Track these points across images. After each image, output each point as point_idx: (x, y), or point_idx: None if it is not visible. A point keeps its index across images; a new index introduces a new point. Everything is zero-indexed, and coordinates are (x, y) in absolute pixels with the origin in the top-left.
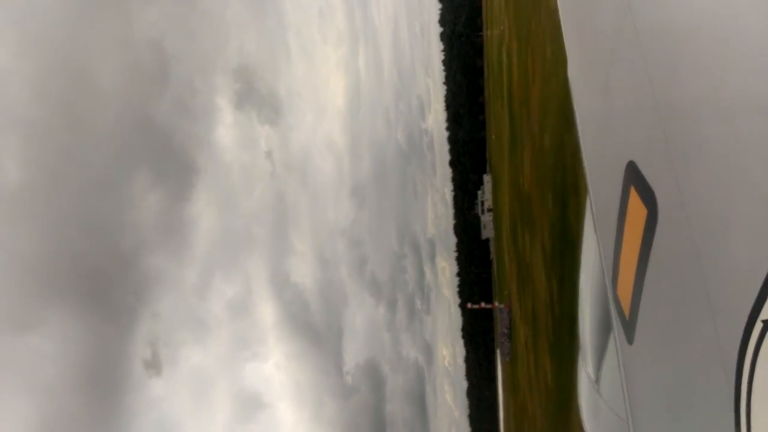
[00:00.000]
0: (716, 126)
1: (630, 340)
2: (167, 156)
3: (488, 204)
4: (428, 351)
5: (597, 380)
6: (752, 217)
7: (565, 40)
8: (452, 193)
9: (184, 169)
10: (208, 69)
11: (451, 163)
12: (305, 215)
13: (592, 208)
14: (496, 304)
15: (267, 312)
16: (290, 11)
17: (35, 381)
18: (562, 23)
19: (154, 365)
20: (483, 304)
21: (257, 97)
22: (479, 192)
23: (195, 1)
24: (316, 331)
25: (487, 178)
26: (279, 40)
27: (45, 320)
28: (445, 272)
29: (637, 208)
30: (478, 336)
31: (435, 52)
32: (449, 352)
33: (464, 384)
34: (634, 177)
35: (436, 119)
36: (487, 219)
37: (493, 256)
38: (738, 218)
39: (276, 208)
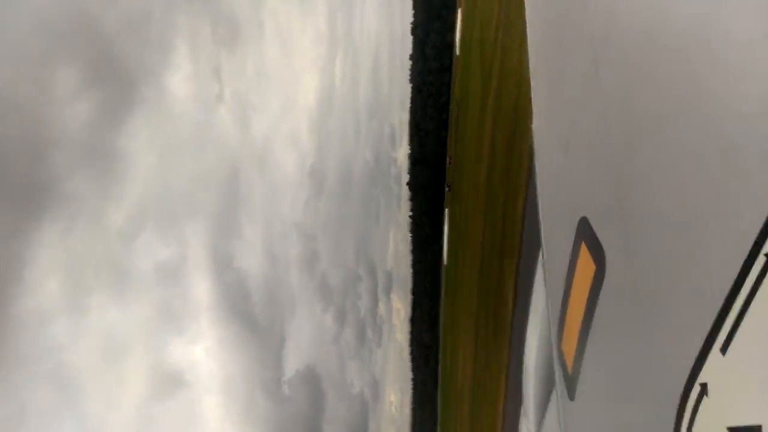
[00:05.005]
0: (670, 192)
1: (571, 396)
2: (105, 63)
3: None
4: (375, 387)
5: None
6: (697, 279)
7: (532, 97)
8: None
9: (125, 91)
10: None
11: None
12: (259, 202)
13: (543, 261)
14: None
15: (202, 289)
16: None
17: None
18: (531, 79)
19: (56, 300)
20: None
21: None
22: None
23: None
24: (256, 324)
25: None
26: (252, 15)
27: None
28: (399, 314)
29: (586, 263)
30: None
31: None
32: (396, 398)
33: None
34: (585, 233)
35: (405, 155)
36: None
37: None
38: (682, 280)
39: (228, 181)
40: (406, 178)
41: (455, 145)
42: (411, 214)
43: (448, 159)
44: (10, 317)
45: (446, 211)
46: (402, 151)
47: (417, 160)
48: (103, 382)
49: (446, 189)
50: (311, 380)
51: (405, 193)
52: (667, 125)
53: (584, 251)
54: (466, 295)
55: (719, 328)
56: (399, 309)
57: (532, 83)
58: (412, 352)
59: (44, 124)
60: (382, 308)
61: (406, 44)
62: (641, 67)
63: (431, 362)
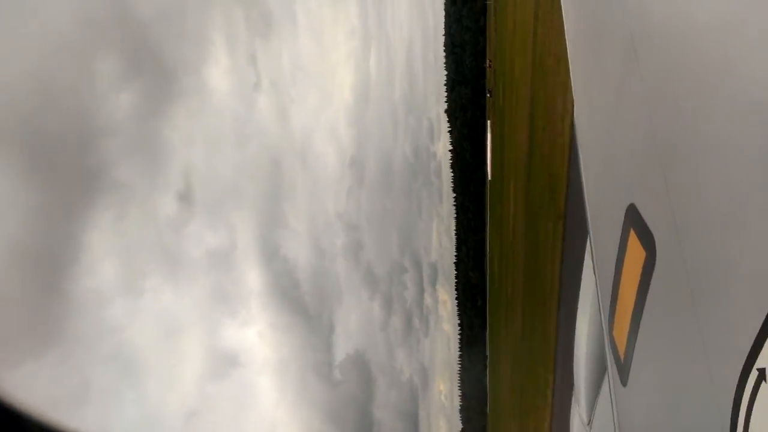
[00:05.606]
0: (716, 172)
1: (624, 382)
2: (144, 56)
3: None
4: (424, 375)
5: (589, 423)
6: (750, 263)
7: (572, 85)
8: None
9: (166, 82)
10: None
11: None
12: (302, 192)
13: (591, 249)
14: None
15: (252, 275)
16: None
17: None
18: (570, 69)
19: (112, 282)
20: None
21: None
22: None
23: None
24: (305, 310)
25: None
26: (284, 7)
27: None
28: (446, 305)
29: (636, 250)
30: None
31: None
32: (446, 387)
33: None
34: (634, 220)
35: (445, 148)
36: None
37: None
38: (736, 264)
39: (271, 171)
40: (446, 170)
41: (495, 41)
42: (451, 148)
43: (488, 62)
44: (70, 298)
45: (488, 123)
46: (441, 145)
47: (455, 82)
48: (161, 360)
49: (487, 95)
50: (361, 365)
51: (447, 186)
52: (713, 107)
53: (633, 238)
54: (513, 205)
55: None
56: (445, 300)
57: (572, 72)
58: (458, 297)
59: (91, 113)
60: (428, 299)
61: (438, 35)
62: (682, 47)
63: (479, 301)
